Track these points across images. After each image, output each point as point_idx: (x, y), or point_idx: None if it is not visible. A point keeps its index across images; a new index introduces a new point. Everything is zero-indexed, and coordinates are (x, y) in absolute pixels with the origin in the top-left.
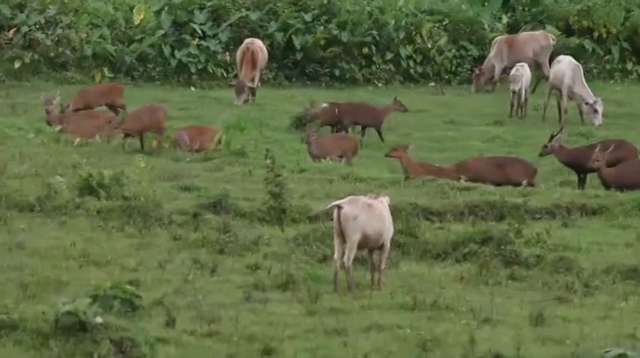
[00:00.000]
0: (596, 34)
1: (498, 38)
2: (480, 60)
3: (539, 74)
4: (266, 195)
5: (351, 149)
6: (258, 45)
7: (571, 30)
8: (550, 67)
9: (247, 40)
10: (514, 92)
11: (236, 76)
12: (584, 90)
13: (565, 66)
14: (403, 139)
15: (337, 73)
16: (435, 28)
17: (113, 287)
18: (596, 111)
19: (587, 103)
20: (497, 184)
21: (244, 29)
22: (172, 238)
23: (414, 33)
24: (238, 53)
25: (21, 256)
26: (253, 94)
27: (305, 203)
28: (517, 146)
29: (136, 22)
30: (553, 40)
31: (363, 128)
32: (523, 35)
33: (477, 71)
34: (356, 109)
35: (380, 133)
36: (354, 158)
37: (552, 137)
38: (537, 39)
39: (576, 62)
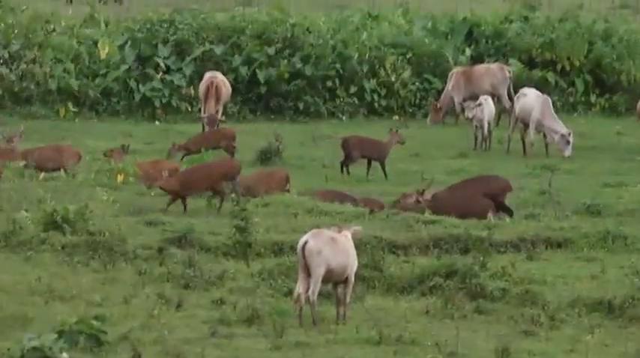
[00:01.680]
0: (559, 67)
1: (455, 70)
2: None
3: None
4: (231, 230)
5: (279, 184)
6: (221, 79)
7: (534, 62)
8: (514, 99)
9: (210, 74)
10: (468, 119)
11: (200, 110)
12: (555, 123)
13: (532, 99)
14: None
15: (301, 106)
16: (399, 62)
17: (79, 322)
18: (568, 142)
19: (562, 135)
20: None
21: (208, 63)
22: (137, 273)
23: (377, 66)
24: (201, 87)
25: None
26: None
27: (270, 237)
28: None
29: (102, 57)
30: (509, 72)
31: (369, 162)
32: (479, 67)
33: (434, 104)
34: (362, 143)
35: (384, 168)
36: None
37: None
38: (493, 71)
39: (544, 95)
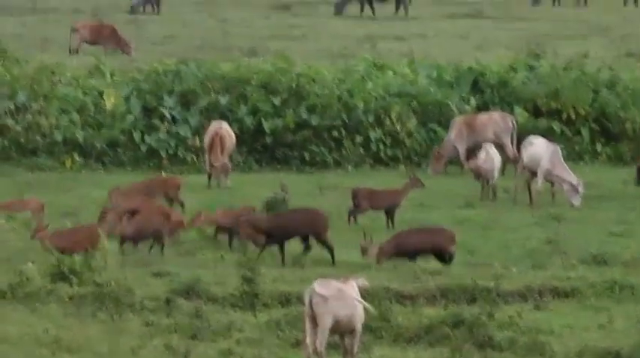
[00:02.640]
0: (564, 116)
1: (457, 119)
2: None
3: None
4: (238, 280)
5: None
6: (226, 129)
7: (540, 111)
8: (521, 148)
9: (215, 124)
10: (472, 169)
11: (205, 161)
12: (565, 172)
13: (541, 149)
14: (374, 223)
15: (307, 156)
16: (404, 111)
17: None
18: (577, 191)
19: (571, 184)
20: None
21: (214, 113)
22: (145, 324)
23: (383, 116)
24: (206, 138)
25: None
26: (226, 178)
27: (277, 287)
28: (488, 228)
29: (107, 108)
30: (513, 121)
31: (385, 213)
32: (482, 116)
33: (436, 153)
34: (373, 194)
35: (392, 217)
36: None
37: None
38: (496, 120)
39: (554, 144)
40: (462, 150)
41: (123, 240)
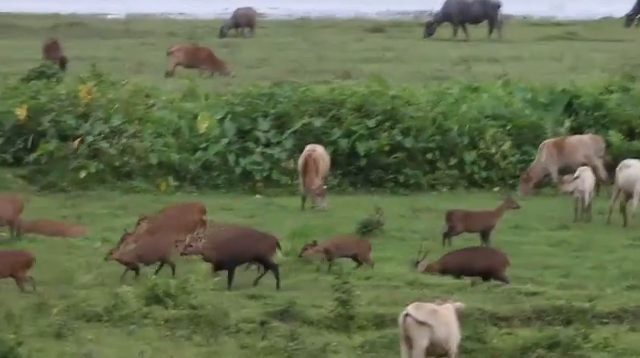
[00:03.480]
0: None
1: (546, 142)
2: None
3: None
4: (333, 302)
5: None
6: (320, 152)
7: (634, 133)
8: (617, 170)
9: (308, 147)
10: (569, 193)
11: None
12: None
13: (637, 171)
14: (468, 245)
15: (401, 178)
16: (499, 133)
17: None
18: None
19: None
20: None
21: (308, 136)
22: (240, 347)
23: (477, 138)
24: (300, 160)
25: None
26: (315, 202)
27: (372, 309)
28: (583, 250)
29: (201, 131)
30: (603, 143)
31: (481, 235)
32: (571, 139)
33: (525, 175)
34: (467, 216)
35: (487, 239)
36: None
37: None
38: (586, 142)
39: None
40: (553, 172)
41: (123, 264)
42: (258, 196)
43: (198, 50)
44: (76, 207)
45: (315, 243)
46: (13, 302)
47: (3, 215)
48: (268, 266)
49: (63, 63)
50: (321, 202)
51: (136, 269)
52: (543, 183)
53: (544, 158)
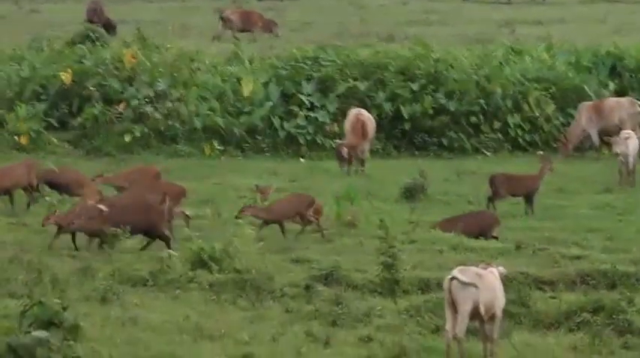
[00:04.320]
0: None
1: (584, 104)
2: None
3: None
4: (378, 267)
5: None
6: (367, 115)
7: None
8: None
9: (355, 111)
10: (616, 154)
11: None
12: None
13: None
14: (512, 208)
15: (445, 142)
16: (542, 96)
17: None
18: None
19: None
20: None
21: (352, 99)
22: (285, 311)
23: (521, 101)
24: (347, 124)
25: (134, 331)
26: (362, 165)
27: (417, 274)
28: (627, 213)
29: (245, 95)
30: None
31: (525, 199)
32: (609, 101)
33: (563, 138)
34: (511, 180)
35: (532, 203)
36: None
37: None
38: (624, 105)
39: None
40: (594, 135)
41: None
42: (302, 160)
43: (250, 14)
44: None
45: (251, 206)
46: (59, 267)
47: (20, 180)
48: (160, 238)
49: (108, 26)
50: (342, 164)
51: None
52: (586, 147)
53: (583, 121)
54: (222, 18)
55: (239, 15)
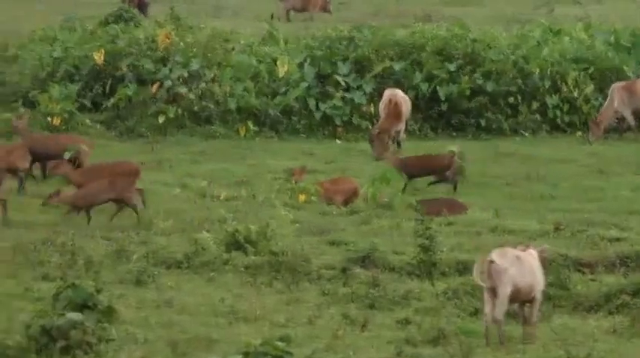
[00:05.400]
0: None
1: (616, 85)
2: None
3: None
4: (415, 249)
5: None
6: (402, 96)
7: None
8: None
9: (390, 91)
10: None
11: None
12: None
13: None
14: (551, 190)
15: (483, 123)
16: (581, 77)
17: (264, 344)
18: None
19: None
20: None
21: (388, 80)
22: (321, 293)
23: (559, 82)
24: (381, 105)
25: (170, 313)
26: (398, 146)
27: (454, 256)
28: None
29: (281, 75)
30: None
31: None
32: None
33: (595, 119)
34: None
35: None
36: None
37: None
38: None
39: None
40: (628, 115)
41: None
42: (338, 141)
43: None
44: (155, 153)
45: (58, 193)
46: (92, 249)
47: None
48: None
49: (141, 6)
50: (375, 151)
51: None
52: (624, 128)
53: (615, 102)
54: None
55: None
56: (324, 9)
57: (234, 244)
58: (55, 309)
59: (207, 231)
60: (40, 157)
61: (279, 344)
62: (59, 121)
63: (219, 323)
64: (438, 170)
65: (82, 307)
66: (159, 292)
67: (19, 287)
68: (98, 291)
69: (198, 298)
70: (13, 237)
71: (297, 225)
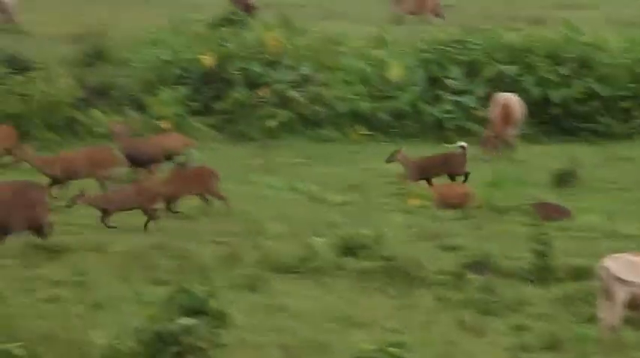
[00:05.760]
0: None
1: None
2: None
3: None
4: (530, 254)
5: None
6: (515, 100)
7: None
8: None
9: (500, 96)
10: None
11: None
12: None
13: None
14: None
15: (596, 127)
16: None
17: (377, 349)
18: None
19: None
20: None
21: (500, 84)
22: (435, 299)
23: None
24: (495, 109)
25: (282, 318)
26: (511, 150)
27: (569, 261)
28: None
29: (392, 79)
30: None
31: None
32: None
33: None
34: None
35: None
36: None
37: None
38: None
39: None
40: None
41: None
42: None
43: None
44: (265, 156)
45: (82, 194)
46: (204, 254)
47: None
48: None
49: (249, 8)
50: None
51: None
52: None
53: None
54: (396, 1)
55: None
56: (437, 13)
57: (347, 249)
58: (167, 314)
59: (319, 236)
60: (139, 162)
61: (394, 350)
62: (170, 125)
63: (332, 328)
64: (454, 167)
65: (194, 312)
66: (271, 297)
67: (130, 292)
68: (210, 296)
69: (310, 303)
70: (125, 241)
71: (414, 229)
